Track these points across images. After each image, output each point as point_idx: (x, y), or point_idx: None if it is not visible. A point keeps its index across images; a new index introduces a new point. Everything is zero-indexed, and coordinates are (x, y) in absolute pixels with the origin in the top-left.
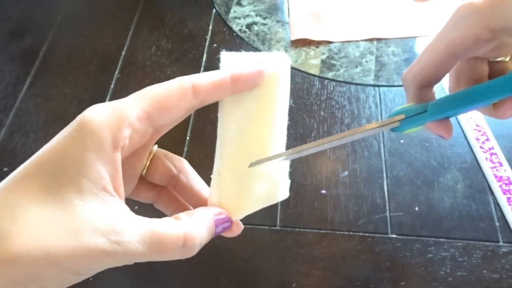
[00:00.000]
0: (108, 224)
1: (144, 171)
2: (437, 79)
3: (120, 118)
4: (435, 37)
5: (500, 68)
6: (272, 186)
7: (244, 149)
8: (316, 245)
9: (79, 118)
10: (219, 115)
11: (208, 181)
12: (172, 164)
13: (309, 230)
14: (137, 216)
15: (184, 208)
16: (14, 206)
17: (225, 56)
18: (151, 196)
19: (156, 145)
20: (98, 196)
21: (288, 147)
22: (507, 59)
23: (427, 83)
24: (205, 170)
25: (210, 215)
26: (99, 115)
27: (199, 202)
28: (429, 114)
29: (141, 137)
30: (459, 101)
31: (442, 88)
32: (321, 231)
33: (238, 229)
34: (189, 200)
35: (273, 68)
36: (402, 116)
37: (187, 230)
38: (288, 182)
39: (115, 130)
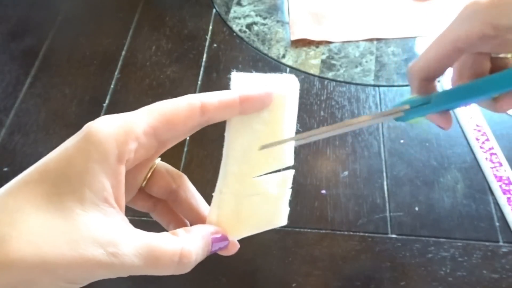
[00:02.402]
0: (106, 236)
1: (144, 183)
2: (441, 72)
3: (127, 132)
4: (442, 33)
5: (502, 64)
6: (272, 211)
7: (248, 170)
8: (316, 245)
9: (86, 128)
10: (226, 134)
11: (207, 181)
12: (172, 179)
13: (309, 230)
14: (135, 229)
15: (180, 221)
16: (15, 211)
17: (236, 77)
18: (147, 206)
19: (159, 158)
20: (99, 206)
21: None
22: (509, 55)
23: (431, 76)
24: (205, 170)
25: (207, 233)
26: (107, 127)
27: (196, 218)
28: (433, 105)
29: (146, 151)
30: (461, 94)
31: (441, 87)
32: (321, 231)
33: (234, 248)
34: (186, 216)
35: (282, 91)
36: (407, 107)
37: (184, 247)
38: (287, 209)
39: (122, 143)
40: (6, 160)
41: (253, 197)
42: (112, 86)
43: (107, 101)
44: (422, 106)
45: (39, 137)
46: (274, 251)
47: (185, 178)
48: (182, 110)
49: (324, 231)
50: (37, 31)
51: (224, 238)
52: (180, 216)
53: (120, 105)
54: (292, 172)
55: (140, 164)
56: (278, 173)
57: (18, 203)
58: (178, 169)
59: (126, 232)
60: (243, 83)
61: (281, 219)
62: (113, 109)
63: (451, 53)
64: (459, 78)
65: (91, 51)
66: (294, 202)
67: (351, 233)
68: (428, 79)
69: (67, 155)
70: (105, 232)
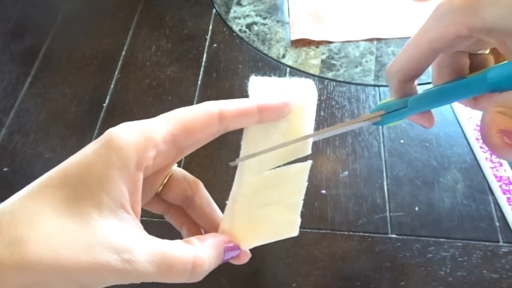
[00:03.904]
0: (121, 242)
1: (160, 188)
2: (419, 73)
3: (147, 139)
4: (417, 33)
5: (480, 60)
6: (284, 222)
7: (263, 180)
8: (316, 245)
9: (107, 134)
10: (242, 142)
11: (207, 181)
12: (188, 185)
13: (309, 230)
14: (150, 236)
15: (193, 224)
16: (35, 213)
17: (254, 81)
18: (162, 209)
19: (176, 164)
20: (115, 212)
21: None
22: (487, 51)
23: (409, 77)
24: (205, 170)
25: (220, 243)
26: (127, 134)
27: (210, 225)
28: (409, 109)
29: (165, 158)
30: (437, 98)
31: None
32: (321, 231)
33: (246, 257)
34: (200, 222)
35: (300, 101)
36: (382, 112)
37: (197, 255)
38: (299, 220)
39: (141, 150)
40: (6, 160)
41: (266, 207)
42: (112, 86)
43: (107, 101)
44: (398, 111)
45: (39, 137)
46: (274, 251)
47: (201, 185)
48: (200, 117)
49: (324, 231)
50: (37, 31)
51: (236, 248)
52: (193, 219)
53: (120, 105)
54: (305, 184)
55: (157, 170)
56: (292, 182)
57: (38, 206)
58: None
59: (140, 239)
60: (261, 87)
61: (293, 229)
62: (113, 109)
63: (427, 54)
64: (439, 77)
65: (91, 51)
66: None
67: (351, 233)
68: (406, 80)
69: (87, 160)
70: (120, 238)
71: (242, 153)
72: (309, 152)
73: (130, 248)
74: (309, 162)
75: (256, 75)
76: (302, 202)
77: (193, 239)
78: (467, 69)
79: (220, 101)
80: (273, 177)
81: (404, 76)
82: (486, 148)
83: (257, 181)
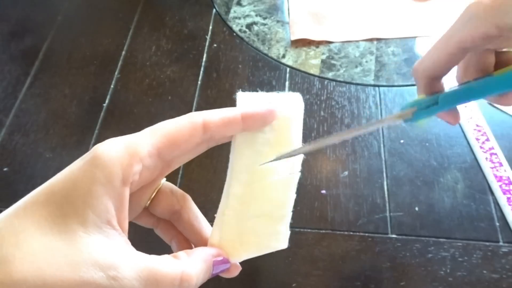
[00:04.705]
0: (107, 259)
1: (148, 203)
2: (447, 71)
3: (132, 154)
4: (446, 33)
5: (506, 58)
6: (274, 234)
7: (251, 192)
8: (316, 245)
9: (92, 151)
10: (230, 155)
11: (207, 181)
12: (176, 200)
13: (309, 230)
14: (137, 252)
15: (182, 238)
16: (20, 232)
17: (241, 96)
18: (151, 223)
19: (164, 179)
20: (101, 229)
21: None
22: None
23: (437, 75)
24: (205, 170)
25: (208, 256)
26: (111, 150)
27: (198, 240)
28: (440, 106)
29: (151, 172)
30: (467, 95)
31: None
32: (321, 231)
33: (236, 270)
34: (189, 236)
35: (286, 112)
36: (414, 109)
37: (184, 270)
38: (288, 233)
39: (126, 165)
40: (6, 160)
41: (255, 219)
42: (112, 86)
43: (107, 101)
44: (429, 108)
45: (39, 137)
46: (274, 251)
47: (189, 199)
48: (184, 128)
49: (324, 231)
50: (37, 31)
51: (225, 261)
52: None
53: (120, 105)
54: (293, 195)
55: (145, 184)
56: (280, 194)
57: (23, 224)
58: (178, 169)
59: (127, 255)
60: (249, 102)
61: (282, 242)
62: (113, 109)
63: (456, 54)
64: (464, 75)
65: (91, 51)
66: (294, 202)
67: (351, 233)
68: (433, 78)
69: (72, 177)
70: (106, 255)
71: (230, 166)
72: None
73: (116, 265)
74: (297, 174)
75: (243, 91)
76: (290, 214)
77: (181, 253)
78: (492, 67)
79: (204, 111)
80: (261, 189)
81: (432, 74)
82: (486, 148)
83: (245, 193)
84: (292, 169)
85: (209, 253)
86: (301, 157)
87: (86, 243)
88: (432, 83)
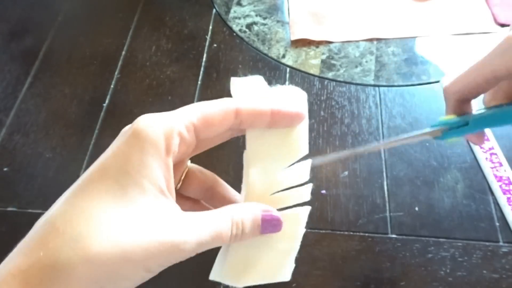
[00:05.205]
0: (173, 221)
1: (179, 185)
2: (477, 95)
3: (172, 127)
4: (482, 59)
5: None
6: (278, 265)
7: (266, 197)
8: (316, 245)
9: (133, 126)
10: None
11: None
12: (207, 177)
13: (309, 230)
14: (191, 212)
15: None
16: (85, 208)
17: (234, 82)
18: (184, 209)
19: (189, 161)
20: (157, 197)
21: None
22: None
23: (467, 98)
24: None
25: (255, 209)
26: (153, 123)
27: None
28: (470, 127)
29: (187, 147)
30: (498, 120)
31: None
32: (321, 231)
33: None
34: None
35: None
36: (445, 128)
37: (234, 216)
38: (293, 266)
39: (168, 137)
40: (6, 160)
41: (261, 249)
42: (112, 86)
43: (107, 101)
44: (459, 128)
45: (39, 137)
46: None
47: (216, 176)
48: (219, 111)
49: (324, 231)
50: (37, 31)
51: (276, 219)
52: None
53: (120, 105)
54: (303, 230)
55: (175, 165)
56: (289, 227)
57: (86, 202)
58: None
59: (186, 217)
60: (243, 88)
61: (285, 275)
62: (113, 109)
63: (489, 81)
64: (493, 99)
65: (91, 51)
66: None
67: (351, 233)
68: (464, 100)
69: (122, 151)
70: (171, 218)
71: (247, 153)
72: (307, 151)
73: (182, 226)
74: (307, 208)
75: (237, 74)
76: (297, 248)
77: (230, 205)
78: None
79: (237, 99)
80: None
81: (462, 97)
82: (486, 148)
83: None
84: (301, 197)
85: (257, 206)
86: (309, 186)
87: (150, 209)
88: (461, 104)
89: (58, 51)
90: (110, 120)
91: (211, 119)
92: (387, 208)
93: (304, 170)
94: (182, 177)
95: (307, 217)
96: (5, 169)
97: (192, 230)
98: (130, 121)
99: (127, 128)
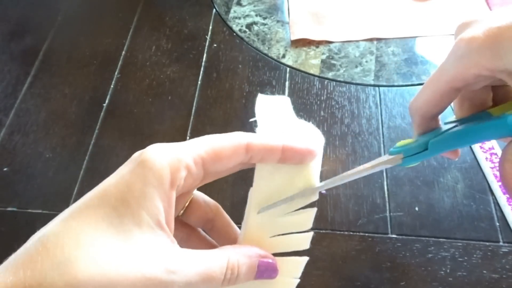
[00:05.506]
0: (164, 256)
1: (182, 211)
2: (441, 110)
3: (179, 160)
4: (437, 70)
5: (504, 92)
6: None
7: (265, 239)
8: (316, 245)
9: (140, 155)
10: (254, 179)
11: (207, 184)
12: (209, 208)
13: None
14: (186, 249)
15: (214, 247)
16: (79, 233)
17: (261, 99)
18: (181, 236)
19: (196, 189)
20: (153, 229)
21: None
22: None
23: (431, 114)
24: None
25: (253, 253)
26: (160, 154)
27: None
28: (429, 152)
29: (193, 180)
30: (457, 141)
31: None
32: (321, 231)
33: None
34: (223, 244)
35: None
36: (401, 156)
37: (230, 258)
38: None
39: (174, 169)
40: (6, 160)
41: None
42: (112, 86)
43: (107, 101)
44: (420, 153)
45: (39, 137)
46: None
47: (220, 208)
48: (229, 144)
49: (324, 231)
50: (37, 31)
51: (273, 266)
52: (215, 243)
53: (120, 105)
54: (297, 280)
55: (180, 195)
56: (284, 274)
57: (81, 226)
58: None
59: (179, 254)
60: (267, 107)
61: None
62: (113, 109)
63: (447, 93)
64: (461, 110)
65: (91, 51)
66: None
67: (351, 233)
68: (428, 117)
69: (125, 180)
70: (163, 252)
71: (247, 207)
72: (317, 197)
73: (173, 264)
74: (305, 258)
75: (263, 94)
76: (298, 281)
77: (227, 246)
78: (490, 101)
79: (249, 133)
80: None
81: (425, 113)
82: (486, 148)
83: (260, 239)
84: (301, 245)
85: (254, 251)
86: (310, 235)
87: (143, 242)
88: (428, 121)
89: (58, 51)
90: (110, 120)
91: (220, 153)
92: (387, 208)
93: (308, 218)
94: (186, 205)
95: (303, 267)
96: (5, 169)
97: (182, 270)
98: (130, 121)
99: (137, 154)
